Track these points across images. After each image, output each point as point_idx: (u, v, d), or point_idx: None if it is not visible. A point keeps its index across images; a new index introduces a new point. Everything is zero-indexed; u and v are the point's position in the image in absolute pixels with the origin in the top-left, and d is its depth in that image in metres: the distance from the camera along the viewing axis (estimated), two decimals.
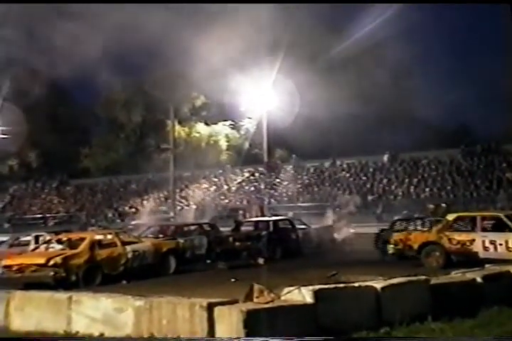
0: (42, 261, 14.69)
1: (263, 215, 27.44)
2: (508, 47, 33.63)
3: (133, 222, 28.90)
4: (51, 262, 14.56)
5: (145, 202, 41.42)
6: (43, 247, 16.66)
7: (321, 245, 21.42)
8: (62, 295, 9.20)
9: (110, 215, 41.52)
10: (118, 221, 38.53)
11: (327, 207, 29.73)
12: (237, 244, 19.11)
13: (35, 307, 9.15)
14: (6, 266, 15.33)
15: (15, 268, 14.91)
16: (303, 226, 22.49)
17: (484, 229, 15.26)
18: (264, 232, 20.22)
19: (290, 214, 27.74)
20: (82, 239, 15.85)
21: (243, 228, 22.00)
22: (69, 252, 15.28)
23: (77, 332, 8.36)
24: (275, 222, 21.51)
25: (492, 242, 14.82)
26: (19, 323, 9.14)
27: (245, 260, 18.08)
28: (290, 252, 19.90)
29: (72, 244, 15.90)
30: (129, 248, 16.16)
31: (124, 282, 14.96)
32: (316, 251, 20.68)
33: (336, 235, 23.15)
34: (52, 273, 14.33)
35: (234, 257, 18.18)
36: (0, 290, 10.42)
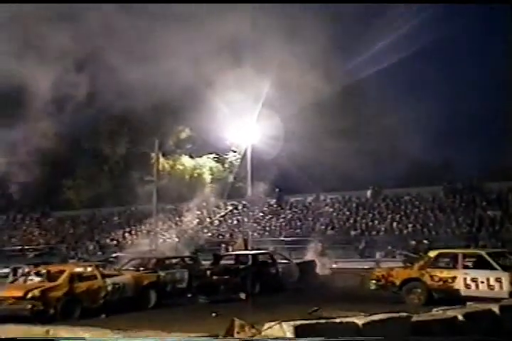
0: (20, 293, 14.47)
1: (246, 249, 27.28)
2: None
3: (114, 255, 28.63)
4: (29, 295, 14.34)
5: (127, 234, 41.15)
6: (21, 279, 16.45)
7: (303, 280, 21.32)
8: (39, 329, 9.05)
9: (91, 248, 41.09)
10: (99, 253, 38.11)
11: (310, 242, 29.75)
12: (214, 277, 18.91)
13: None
14: None
15: None
16: (285, 261, 22.39)
17: (466, 267, 15.29)
18: (242, 266, 20.07)
19: (271, 248, 27.65)
20: (62, 272, 15.66)
21: (223, 261, 21.86)
22: (47, 285, 15.08)
23: None
24: (254, 255, 21.36)
25: (474, 280, 14.83)
26: None
27: (226, 294, 17.91)
28: (270, 287, 19.66)
29: (51, 277, 15.71)
30: (109, 281, 15.99)
31: (103, 316, 14.75)
32: (297, 286, 20.55)
33: (318, 270, 23.12)
34: (30, 306, 14.11)
35: (212, 291, 17.95)
36: None
